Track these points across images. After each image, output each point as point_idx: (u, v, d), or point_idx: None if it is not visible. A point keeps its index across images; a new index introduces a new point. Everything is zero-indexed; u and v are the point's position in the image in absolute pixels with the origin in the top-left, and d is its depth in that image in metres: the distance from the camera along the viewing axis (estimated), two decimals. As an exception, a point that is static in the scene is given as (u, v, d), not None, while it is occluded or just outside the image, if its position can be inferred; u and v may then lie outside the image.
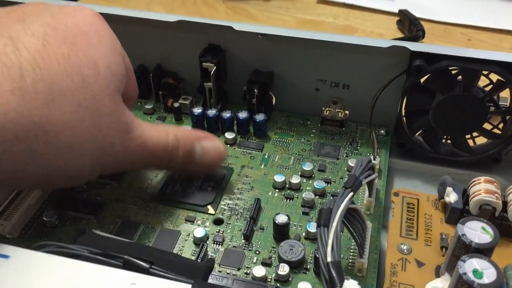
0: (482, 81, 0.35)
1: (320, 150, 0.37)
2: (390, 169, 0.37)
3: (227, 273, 0.28)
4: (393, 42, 0.35)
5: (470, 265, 0.24)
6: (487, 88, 0.35)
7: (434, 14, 0.59)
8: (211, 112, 0.38)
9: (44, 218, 0.31)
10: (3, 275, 0.22)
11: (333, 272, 0.23)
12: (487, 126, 0.37)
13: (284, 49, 0.38)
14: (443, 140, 0.38)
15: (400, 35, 0.56)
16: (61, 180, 0.26)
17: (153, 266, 0.22)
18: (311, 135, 0.39)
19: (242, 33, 0.37)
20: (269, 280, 0.28)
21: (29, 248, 0.23)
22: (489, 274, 0.24)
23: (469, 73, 0.34)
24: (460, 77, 0.35)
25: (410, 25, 0.55)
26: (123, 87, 0.29)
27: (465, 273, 0.24)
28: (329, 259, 0.23)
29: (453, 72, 0.35)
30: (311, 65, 0.38)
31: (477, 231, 0.26)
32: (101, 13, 0.35)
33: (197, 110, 0.38)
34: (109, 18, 0.39)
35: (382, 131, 0.39)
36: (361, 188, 0.32)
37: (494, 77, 0.34)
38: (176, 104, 0.39)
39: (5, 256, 0.22)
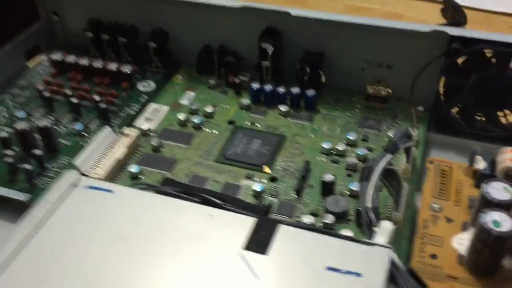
0: (516, 63, 0.38)
1: (364, 123, 0.42)
2: (427, 142, 0.41)
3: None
4: (433, 27, 0.39)
5: (491, 217, 0.29)
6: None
7: (478, 2, 0.61)
8: (268, 87, 0.43)
9: (130, 170, 0.37)
10: (109, 205, 0.28)
11: (371, 214, 0.28)
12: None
13: (334, 33, 0.42)
14: (477, 117, 0.41)
15: (444, 21, 0.59)
16: None
17: (225, 203, 0.28)
18: (356, 110, 0.43)
19: (297, 18, 0.42)
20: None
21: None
22: (507, 224, 0.28)
23: (502, 56, 0.37)
24: (494, 59, 0.38)
25: (453, 12, 0.58)
26: None
27: (485, 223, 0.28)
28: (368, 204, 0.28)
29: (488, 55, 0.38)
30: (357, 47, 0.42)
31: (500, 190, 0.30)
32: (168, 1, 0.40)
33: (255, 85, 0.43)
34: (180, 4, 0.45)
35: (421, 108, 0.43)
36: (400, 154, 0.37)
37: (527, 59, 0.38)
38: (236, 80, 0.45)
39: (110, 191, 0.29)
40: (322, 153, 0.39)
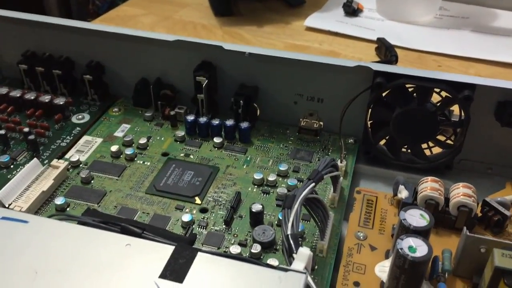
0: (436, 98, 0.40)
1: (296, 155, 0.43)
2: (356, 173, 0.43)
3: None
4: (358, 62, 0.41)
5: (407, 243, 0.29)
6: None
7: (410, 43, 0.65)
8: (202, 119, 0.44)
9: (56, 202, 0.36)
10: (23, 236, 0.27)
11: (291, 241, 0.28)
12: (441, 137, 0.43)
13: (267, 67, 0.44)
14: (404, 149, 0.43)
15: (377, 60, 0.62)
16: None
17: (144, 232, 0.28)
18: (289, 142, 0.44)
19: (231, 52, 0.43)
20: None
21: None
22: (422, 250, 0.29)
23: (422, 90, 0.40)
24: (415, 93, 0.40)
25: (386, 51, 0.61)
26: None
27: (401, 248, 0.29)
28: (289, 232, 0.28)
29: (410, 89, 0.40)
30: (290, 81, 0.44)
31: (416, 217, 0.32)
32: (110, 33, 0.41)
33: (190, 118, 0.44)
34: (117, 37, 0.45)
35: (351, 140, 0.44)
36: (327, 185, 0.38)
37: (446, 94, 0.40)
38: (172, 113, 0.45)
39: (25, 221, 0.28)
40: (254, 184, 0.39)
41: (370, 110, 0.42)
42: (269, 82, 0.44)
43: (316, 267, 0.33)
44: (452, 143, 0.42)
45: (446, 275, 0.32)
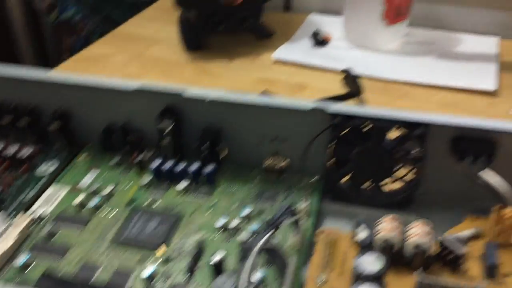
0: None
1: (260, 196, 0.43)
2: (322, 211, 0.43)
3: (170, 303, 0.34)
4: (314, 105, 0.42)
5: (360, 291, 0.30)
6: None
7: (376, 71, 0.66)
8: (168, 164, 0.44)
9: (17, 261, 0.36)
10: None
11: (245, 296, 0.28)
12: (403, 171, 0.44)
13: (228, 111, 0.44)
14: (364, 186, 0.44)
15: (344, 91, 0.63)
16: None
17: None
18: (256, 183, 0.45)
19: (190, 99, 0.44)
20: (205, 308, 0.34)
21: None
22: (374, 298, 0.30)
23: (377, 129, 0.41)
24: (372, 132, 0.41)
25: (351, 83, 0.62)
26: None
27: (354, 298, 0.30)
28: (244, 285, 0.29)
29: (367, 128, 0.41)
30: (252, 123, 0.45)
31: (371, 262, 0.32)
32: (70, 85, 0.41)
33: (155, 164, 0.44)
34: (79, 88, 0.46)
35: (316, 178, 0.45)
36: (289, 229, 0.39)
37: (401, 132, 0.41)
38: (138, 158, 0.46)
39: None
40: (217, 231, 0.40)
41: (330, 148, 0.42)
42: (232, 125, 0.45)
43: (276, 316, 0.33)
44: (412, 178, 0.43)
45: (403, 318, 0.32)
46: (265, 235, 0.32)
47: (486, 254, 0.36)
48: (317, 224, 0.42)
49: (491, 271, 0.35)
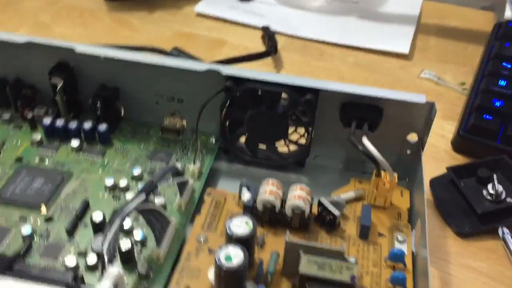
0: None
1: (154, 156, 0.43)
2: (216, 172, 0.44)
3: (46, 264, 0.34)
4: (208, 66, 0.41)
5: (225, 252, 0.31)
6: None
7: (297, 30, 0.66)
8: (60, 122, 0.43)
9: None
10: None
11: (105, 260, 0.29)
12: (296, 135, 0.44)
13: (125, 69, 0.43)
14: (260, 147, 0.45)
15: (263, 48, 0.62)
16: None
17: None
18: (152, 143, 0.45)
19: (84, 54, 0.42)
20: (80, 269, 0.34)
21: None
22: (238, 259, 0.31)
23: (269, 95, 0.41)
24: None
25: (268, 40, 0.61)
26: None
27: (218, 258, 0.31)
28: (104, 251, 0.29)
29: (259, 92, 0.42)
30: (149, 82, 0.44)
31: (241, 225, 0.33)
32: None
33: (47, 121, 0.43)
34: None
35: (212, 139, 0.45)
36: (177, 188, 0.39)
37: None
38: (30, 114, 0.44)
39: None
40: (106, 190, 0.40)
41: (224, 111, 0.43)
42: (129, 83, 0.44)
43: (151, 275, 0.34)
44: (304, 142, 0.44)
45: (270, 277, 0.34)
46: (138, 197, 0.32)
47: (361, 216, 0.38)
48: (210, 184, 0.42)
49: (364, 232, 0.37)
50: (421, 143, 0.42)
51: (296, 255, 0.33)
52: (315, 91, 0.40)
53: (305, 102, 0.40)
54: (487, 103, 0.49)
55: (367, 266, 0.35)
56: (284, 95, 0.41)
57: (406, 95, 0.39)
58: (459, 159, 0.48)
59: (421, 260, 0.35)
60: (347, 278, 0.29)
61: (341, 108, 0.41)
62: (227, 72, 0.41)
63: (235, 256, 0.31)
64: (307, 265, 0.30)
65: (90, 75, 0.44)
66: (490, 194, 0.42)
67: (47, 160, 0.42)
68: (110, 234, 0.30)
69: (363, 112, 0.40)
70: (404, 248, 0.36)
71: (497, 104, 0.49)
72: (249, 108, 0.42)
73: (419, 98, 0.39)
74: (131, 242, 0.34)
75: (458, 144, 0.49)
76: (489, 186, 0.43)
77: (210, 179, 0.43)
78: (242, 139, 0.45)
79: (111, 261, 0.29)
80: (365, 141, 0.38)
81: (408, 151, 0.42)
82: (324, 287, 0.29)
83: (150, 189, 0.34)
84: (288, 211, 0.37)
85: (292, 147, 0.45)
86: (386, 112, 0.40)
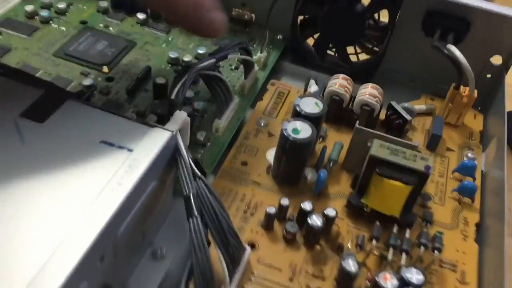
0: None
1: (219, 41, 0.41)
2: (279, 69, 0.42)
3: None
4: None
5: (292, 125, 0.29)
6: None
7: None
8: (128, -7, 0.42)
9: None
10: None
11: (167, 106, 0.27)
12: (368, 44, 0.42)
13: None
14: (329, 52, 0.42)
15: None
16: None
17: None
18: (217, 30, 0.43)
19: None
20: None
21: None
22: (305, 133, 0.29)
23: (352, -12, 0.38)
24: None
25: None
26: None
27: (285, 129, 0.29)
28: (173, 97, 0.28)
29: (341, -14, 0.39)
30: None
31: (311, 105, 0.31)
32: None
33: (115, -10, 0.42)
34: None
35: (280, 36, 0.43)
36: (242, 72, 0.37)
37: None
38: (99, -18, 0.43)
39: None
40: (168, 63, 0.38)
41: (299, 5, 0.40)
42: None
43: (208, 144, 0.33)
44: (377, 50, 0.41)
45: (332, 164, 0.32)
46: (208, 60, 0.31)
47: (433, 126, 0.35)
48: (268, 79, 0.40)
49: (433, 142, 0.35)
50: (505, 67, 0.39)
51: (363, 146, 0.31)
52: (402, -8, 0.37)
53: (391, 2, 0.37)
54: None
55: (432, 175, 0.33)
56: None
57: (500, 7, 0.36)
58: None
59: (494, 179, 0.32)
60: (421, 167, 0.27)
61: (426, 15, 0.38)
62: (312, -41, 0.38)
63: (302, 130, 0.29)
64: (379, 149, 0.28)
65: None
66: None
67: (111, 27, 0.41)
68: (179, 84, 0.29)
69: (449, 22, 0.37)
70: (473, 165, 0.34)
71: None
72: (327, 4, 0.39)
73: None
74: (192, 108, 0.33)
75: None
76: None
77: (275, 75, 0.41)
78: (311, 42, 0.42)
79: (179, 107, 0.27)
80: (452, 47, 0.35)
81: (489, 75, 0.40)
82: (395, 173, 0.27)
83: (221, 56, 0.32)
84: (356, 107, 0.35)
85: (362, 57, 0.42)
86: (474, 25, 0.37)
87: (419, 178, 0.28)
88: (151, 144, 0.24)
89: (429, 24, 0.38)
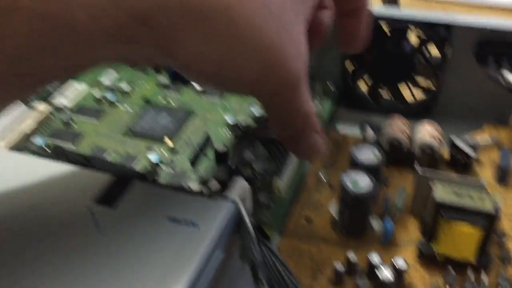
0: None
1: (273, 99, 0.43)
2: (336, 119, 0.43)
3: (171, 187, 0.35)
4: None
5: (351, 177, 0.30)
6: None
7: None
8: (183, 66, 0.45)
9: (33, 142, 0.38)
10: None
11: (224, 172, 0.29)
12: (423, 80, 0.42)
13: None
14: (383, 95, 0.42)
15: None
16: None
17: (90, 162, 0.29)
18: (270, 88, 0.44)
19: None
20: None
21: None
22: (366, 186, 0.29)
23: (395, 30, 0.38)
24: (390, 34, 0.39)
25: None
26: None
27: (345, 183, 0.29)
28: (231, 163, 0.29)
29: (386, 29, 0.39)
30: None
31: (368, 154, 0.31)
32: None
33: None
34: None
35: (331, 85, 0.44)
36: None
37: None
38: (156, 60, 0.46)
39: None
40: (227, 128, 0.40)
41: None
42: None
43: (271, 204, 0.34)
44: (432, 85, 0.41)
45: (397, 212, 0.32)
46: (262, 124, 0.32)
47: (500, 159, 0.34)
48: (326, 129, 0.41)
49: (503, 175, 0.34)
50: None
51: (427, 189, 0.30)
52: (448, 27, 0.37)
53: (439, 39, 0.37)
54: None
55: (506, 211, 0.32)
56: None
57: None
58: None
59: None
60: (490, 207, 0.27)
61: (478, 46, 0.37)
62: (352, 9, 0.39)
63: (362, 182, 0.29)
64: (443, 192, 0.28)
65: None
66: None
67: (172, 101, 0.43)
68: (237, 150, 0.30)
69: (502, 48, 0.36)
70: (551, 196, 0.32)
71: None
72: (373, 47, 0.40)
73: None
74: (252, 170, 0.34)
75: None
76: None
77: (330, 126, 0.42)
78: (364, 88, 0.43)
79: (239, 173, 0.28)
80: (507, 74, 0.34)
81: (555, 97, 0.38)
82: (463, 215, 0.27)
83: (274, 117, 0.33)
84: (417, 150, 0.34)
85: (418, 94, 0.42)
86: (530, 48, 0.36)
87: (489, 219, 0.27)
88: (214, 216, 0.25)
89: (481, 54, 0.37)
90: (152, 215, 0.26)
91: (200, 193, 0.27)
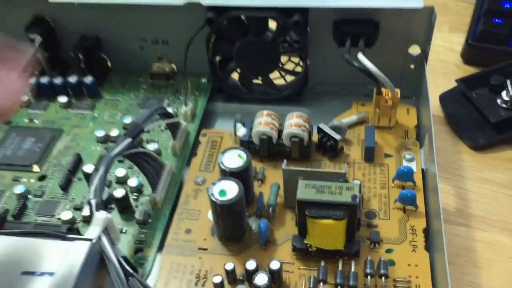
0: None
1: (145, 103, 0.41)
2: (212, 113, 0.42)
3: (42, 220, 0.33)
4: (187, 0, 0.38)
5: (218, 187, 0.29)
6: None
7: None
8: (44, 79, 0.42)
9: None
10: None
11: (93, 206, 0.27)
12: (290, 65, 0.42)
13: (102, 15, 0.41)
14: (254, 82, 0.42)
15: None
16: None
17: None
18: (142, 91, 0.43)
19: (58, 4, 0.40)
20: (77, 221, 0.33)
21: None
22: (232, 192, 0.29)
23: (255, 21, 0.38)
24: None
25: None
26: None
27: (212, 194, 0.29)
28: (91, 197, 0.28)
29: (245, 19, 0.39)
30: (130, 25, 0.41)
31: (234, 158, 0.31)
32: None
33: (31, 81, 0.42)
34: None
35: (204, 80, 0.43)
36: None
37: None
38: (14, 76, 0.43)
39: None
40: (98, 142, 0.38)
41: (211, 46, 0.40)
42: (109, 30, 0.42)
43: (150, 220, 0.33)
44: (299, 69, 0.41)
45: (271, 209, 0.32)
46: (123, 142, 0.31)
47: (365, 138, 0.35)
48: (207, 126, 0.40)
49: (369, 154, 0.35)
50: (424, 55, 0.39)
51: (295, 183, 0.31)
52: (304, 11, 0.37)
53: (294, 24, 0.37)
54: (496, 6, 0.45)
55: (374, 188, 0.33)
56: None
57: (402, 1, 0.36)
58: (470, 71, 0.45)
59: (431, 176, 0.32)
60: (348, 198, 0.28)
61: (334, 26, 0.38)
62: (208, 2, 0.38)
63: (229, 190, 0.29)
64: (304, 190, 0.28)
65: (68, 27, 0.42)
66: (505, 101, 0.39)
67: (36, 120, 0.41)
68: (95, 181, 0.29)
69: (357, 28, 0.37)
70: (413, 166, 0.34)
71: (507, 6, 0.45)
72: (237, 40, 0.39)
73: (417, 2, 0.36)
74: (126, 190, 0.33)
75: (468, 55, 0.46)
76: (503, 94, 0.40)
77: (207, 121, 0.41)
78: (236, 76, 0.42)
79: (99, 207, 0.27)
80: (361, 57, 0.35)
81: (412, 66, 0.39)
82: (325, 210, 0.27)
83: (136, 132, 0.32)
84: (285, 141, 0.35)
85: (288, 78, 0.42)
86: (383, 24, 0.37)
87: (349, 210, 0.28)
88: (73, 261, 0.24)
89: (338, 34, 0.38)
90: (6, 270, 0.24)
91: (61, 235, 0.26)
